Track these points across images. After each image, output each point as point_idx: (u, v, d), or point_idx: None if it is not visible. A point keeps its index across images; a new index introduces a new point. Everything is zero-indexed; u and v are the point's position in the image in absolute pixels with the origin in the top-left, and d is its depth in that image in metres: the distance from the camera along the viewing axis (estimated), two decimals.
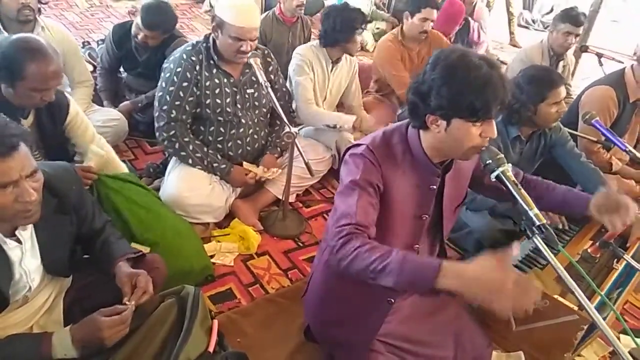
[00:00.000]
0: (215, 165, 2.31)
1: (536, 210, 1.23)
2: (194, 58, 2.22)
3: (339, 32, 2.67)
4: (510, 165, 1.30)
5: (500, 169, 1.28)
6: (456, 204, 1.53)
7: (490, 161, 1.29)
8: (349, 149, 1.42)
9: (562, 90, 2.06)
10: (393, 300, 1.46)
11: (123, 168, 2.11)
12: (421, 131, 1.34)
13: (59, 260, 1.42)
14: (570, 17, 3.16)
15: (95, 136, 2.05)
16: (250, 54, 2.19)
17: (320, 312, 1.61)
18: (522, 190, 1.26)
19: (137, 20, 2.77)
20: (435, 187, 1.41)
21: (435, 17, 3.22)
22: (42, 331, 1.35)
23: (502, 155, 1.30)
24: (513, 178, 1.28)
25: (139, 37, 2.78)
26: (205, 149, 2.31)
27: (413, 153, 1.36)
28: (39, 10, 2.42)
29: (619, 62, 3.40)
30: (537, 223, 1.21)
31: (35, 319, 1.42)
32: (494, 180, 1.30)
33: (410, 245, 1.46)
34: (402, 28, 3.31)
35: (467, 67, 1.20)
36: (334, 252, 1.23)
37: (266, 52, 2.45)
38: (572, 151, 2.23)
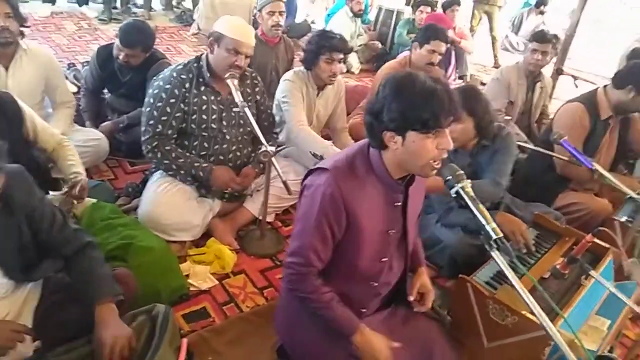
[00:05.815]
0: (197, 165, 2.31)
1: (493, 225, 1.26)
2: (184, 76, 2.29)
3: (308, 57, 2.73)
4: (469, 181, 1.34)
5: (460, 185, 1.32)
6: (417, 215, 1.59)
7: (450, 177, 1.33)
8: (310, 171, 1.46)
9: None
10: (366, 310, 1.52)
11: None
12: (382, 151, 1.38)
13: (10, 261, 1.40)
14: (536, 35, 3.34)
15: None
16: (227, 75, 2.25)
17: (293, 330, 1.62)
18: (481, 205, 1.30)
19: (117, 42, 2.83)
20: (399, 203, 1.46)
21: (444, 51, 3.23)
22: None
23: (462, 172, 1.34)
24: (472, 194, 1.32)
25: (121, 57, 2.83)
26: (187, 154, 2.34)
27: (376, 172, 1.40)
28: (22, 33, 2.44)
29: (593, 83, 3.51)
30: (494, 237, 1.25)
31: None
32: (454, 195, 1.35)
33: (378, 258, 1.48)
34: (410, 57, 3.32)
35: (413, 82, 1.29)
36: (285, 281, 1.52)
37: (253, 74, 2.55)
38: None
